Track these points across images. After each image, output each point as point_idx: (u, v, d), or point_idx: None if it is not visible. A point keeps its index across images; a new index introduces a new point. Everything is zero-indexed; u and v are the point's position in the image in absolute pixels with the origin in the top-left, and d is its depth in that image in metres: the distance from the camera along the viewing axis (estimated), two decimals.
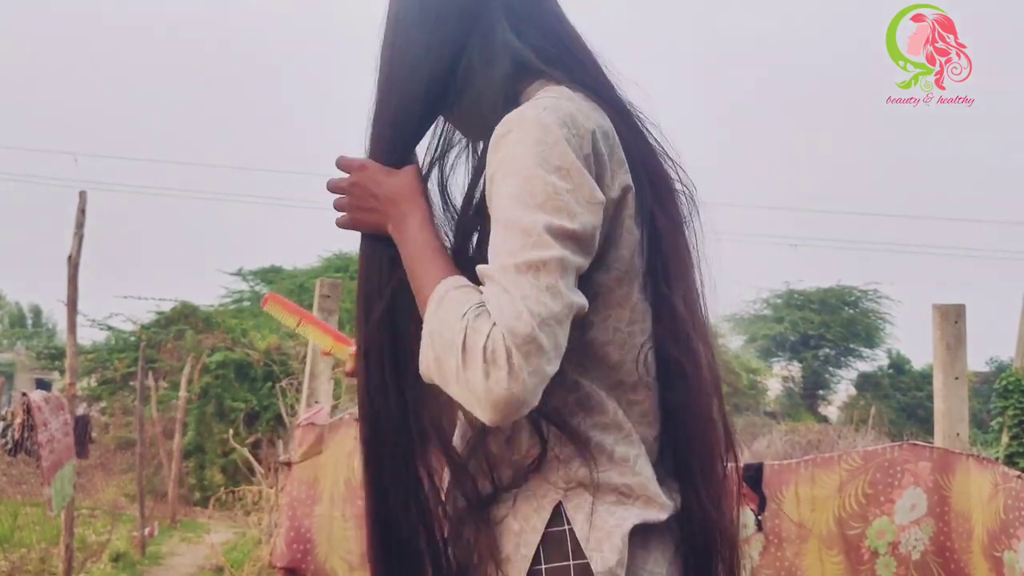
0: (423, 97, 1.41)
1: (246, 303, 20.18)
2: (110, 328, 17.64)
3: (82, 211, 6.53)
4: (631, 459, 1.34)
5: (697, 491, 1.42)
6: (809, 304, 24.99)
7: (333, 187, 1.45)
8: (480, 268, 1.23)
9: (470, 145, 1.53)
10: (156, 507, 11.48)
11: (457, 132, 1.52)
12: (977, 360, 21.07)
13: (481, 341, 1.15)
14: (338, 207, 1.45)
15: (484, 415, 1.17)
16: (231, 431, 11.00)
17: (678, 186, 1.45)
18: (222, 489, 10.39)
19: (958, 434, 2.53)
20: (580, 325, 1.29)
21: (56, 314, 38.62)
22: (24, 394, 5.03)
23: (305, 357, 3.25)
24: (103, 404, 16.92)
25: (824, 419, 21.77)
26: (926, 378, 20.61)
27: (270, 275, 20.72)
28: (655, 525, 1.34)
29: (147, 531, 9.72)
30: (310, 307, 3.11)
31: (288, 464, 2.69)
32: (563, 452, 1.32)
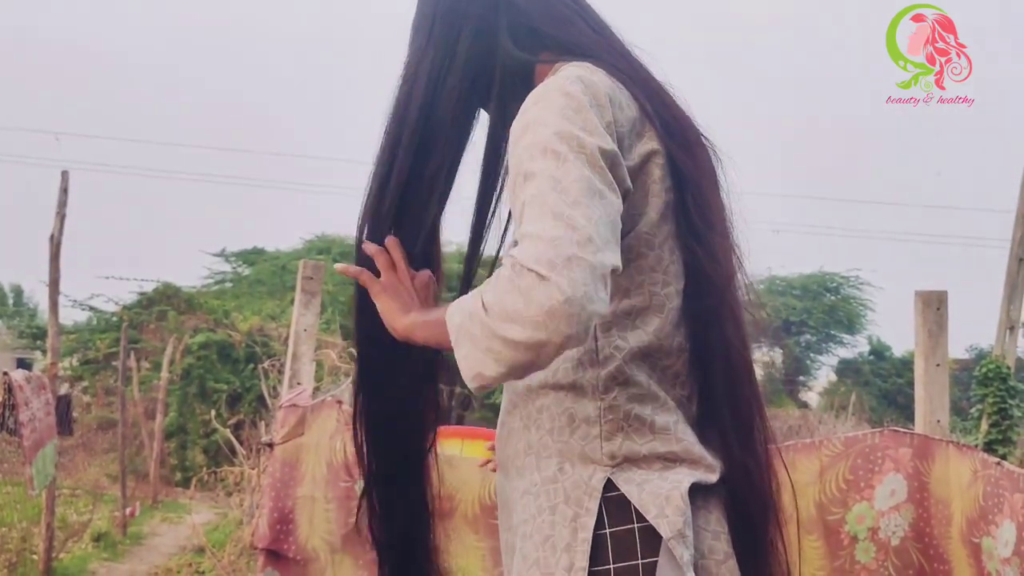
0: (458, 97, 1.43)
1: (228, 284, 20.10)
2: (92, 308, 17.58)
3: (64, 191, 6.50)
4: (671, 426, 1.34)
5: (732, 448, 1.41)
6: (791, 290, 25.02)
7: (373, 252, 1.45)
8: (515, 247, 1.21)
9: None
10: (138, 487, 11.47)
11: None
12: (957, 347, 21.18)
13: (506, 273, 1.16)
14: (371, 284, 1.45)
15: (549, 335, 1.11)
16: (213, 412, 10.98)
17: (705, 143, 1.45)
18: (204, 470, 10.36)
19: (938, 421, 2.54)
20: (618, 292, 1.30)
21: (38, 294, 38.27)
22: (5, 373, 5.01)
23: (287, 339, 3.24)
24: (85, 384, 16.87)
25: (804, 405, 21.89)
26: (907, 365, 20.70)
27: (253, 256, 20.63)
28: (711, 486, 1.35)
29: (128, 511, 9.71)
30: (292, 288, 3.10)
31: (270, 445, 2.68)
32: (604, 429, 1.32)
